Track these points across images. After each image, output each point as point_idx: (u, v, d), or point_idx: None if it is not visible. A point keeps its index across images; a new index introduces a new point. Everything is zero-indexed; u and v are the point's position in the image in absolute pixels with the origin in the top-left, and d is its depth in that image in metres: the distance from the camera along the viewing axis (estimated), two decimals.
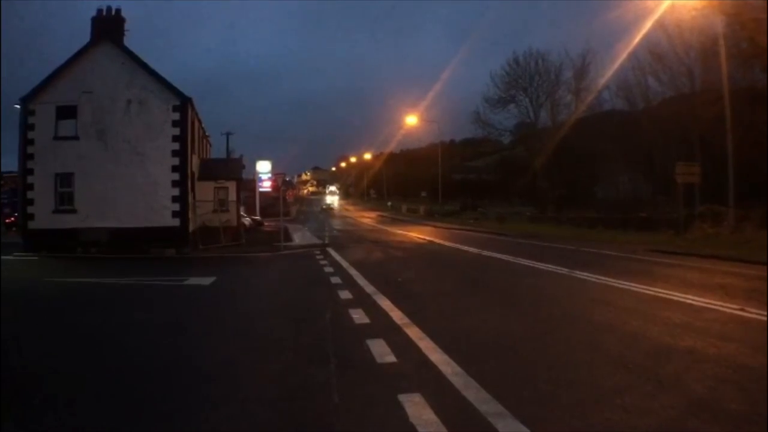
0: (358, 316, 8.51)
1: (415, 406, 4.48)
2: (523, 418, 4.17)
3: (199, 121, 32.09)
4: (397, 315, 8.50)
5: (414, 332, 7.21)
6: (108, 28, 24.47)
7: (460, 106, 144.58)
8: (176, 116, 24.45)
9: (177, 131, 24.37)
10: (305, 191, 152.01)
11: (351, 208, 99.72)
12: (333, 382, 5.26)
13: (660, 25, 29.51)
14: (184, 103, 24.76)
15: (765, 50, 22.57)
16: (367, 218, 63.09)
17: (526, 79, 54.54)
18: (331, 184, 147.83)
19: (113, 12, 24.87)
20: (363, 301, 10.01)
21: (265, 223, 44.70)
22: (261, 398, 4.96)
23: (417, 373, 5.49)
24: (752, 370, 5.44)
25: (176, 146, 24.36)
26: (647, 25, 28.72)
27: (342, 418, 4.38)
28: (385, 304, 9.56)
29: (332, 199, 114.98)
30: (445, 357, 5.94)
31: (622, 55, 37.11)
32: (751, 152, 23.76)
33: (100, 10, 24.65)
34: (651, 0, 25.76)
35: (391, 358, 6.00)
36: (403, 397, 4.68)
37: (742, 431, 4.06)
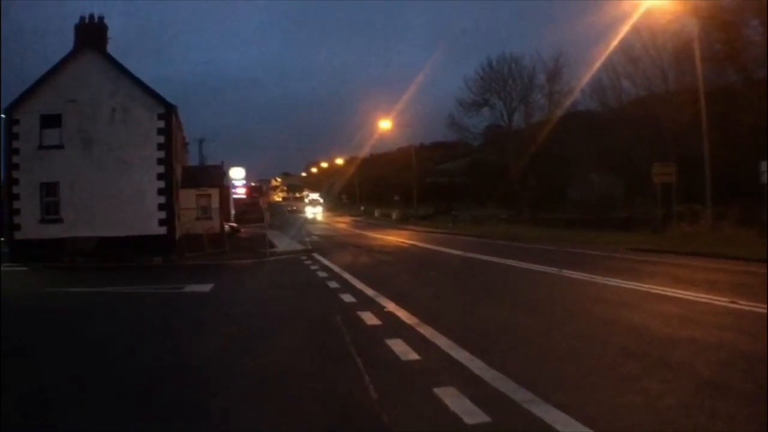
0: (368, 318, 8.78)
1: (452, 398, 4.82)
2: (555, 403, 4.55)
3: (181, 129, 32.06)
4: (404, 315, 8.84)
5: (428, 331, 7.55)
6: (91, 35, 24.25)
7: (429, 109, 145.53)
8: (161, 124, 24.34)
9: (162, 139, 24.24)
10: (277, 198, 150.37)
11: (325, 213, 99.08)
12: (366, 379, 5.53)
13: (634, 28, 30.22)
14: (168, 111, 24.70)
15: (738, 52, 23.42)
16: (343, 223, 63.16)
17: (500, 82, 55.24)
18: (304, 189, 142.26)
19: (96, 19, 24.64)
20: (367, 303, 10.29)
21: (242, 230, 44.53)
22: (303, 396, 5.23)
23: (443, 368, 5.82)
24: (751, 354, 5.94)
25: (161, 154, 24.22)
26: (624, 29, 29.47)
27: (386, 411, 4.67)
28: (390, 305, 9.87)
29: (314, 210, 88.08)
30: (466, 353, 6.28)
31: (598, 59, 37.81)
32: (724, 152, 24.56)
33: (82, 18, 24.37)
34: (628, 0, 26.37)
35: (414, 356, 6.32)
36: (438, 390, 5.01)
37: (751, 406, 4.50)
